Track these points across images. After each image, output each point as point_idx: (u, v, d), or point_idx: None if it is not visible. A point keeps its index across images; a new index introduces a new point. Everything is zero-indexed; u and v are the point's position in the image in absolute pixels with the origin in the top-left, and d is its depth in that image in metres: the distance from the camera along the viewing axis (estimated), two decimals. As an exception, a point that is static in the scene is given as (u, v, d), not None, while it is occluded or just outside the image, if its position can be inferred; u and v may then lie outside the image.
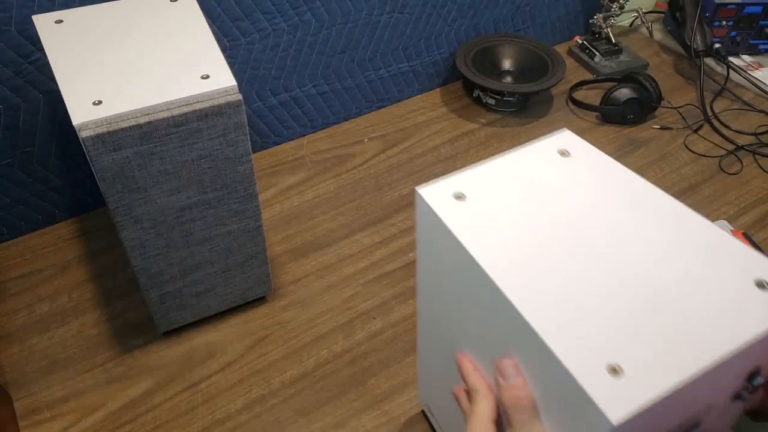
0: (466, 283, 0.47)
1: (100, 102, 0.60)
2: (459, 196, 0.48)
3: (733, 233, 0.89)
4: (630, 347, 0.37)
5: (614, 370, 0.35)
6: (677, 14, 1.33)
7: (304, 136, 1.15)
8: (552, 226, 0.46)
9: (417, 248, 0.54)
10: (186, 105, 0.62)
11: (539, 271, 0.42)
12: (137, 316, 0.84)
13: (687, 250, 0.43)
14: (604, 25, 1.34)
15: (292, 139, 1.14)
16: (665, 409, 0.36)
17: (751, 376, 0.43)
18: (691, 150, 1.13)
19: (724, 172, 1.09)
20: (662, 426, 0.39)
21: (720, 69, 1.30)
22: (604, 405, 0.34)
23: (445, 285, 0.51)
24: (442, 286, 0.52)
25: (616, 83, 1.20)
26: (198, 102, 0.62)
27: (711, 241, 0.44)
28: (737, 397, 0.44)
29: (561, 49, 1.39)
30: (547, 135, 0.54)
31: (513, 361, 0.43)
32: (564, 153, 0.52)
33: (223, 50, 0.68)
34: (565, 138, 0.54)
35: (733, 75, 1.27)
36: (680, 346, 0.37)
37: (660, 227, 0.45)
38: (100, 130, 0.59)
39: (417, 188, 0.49)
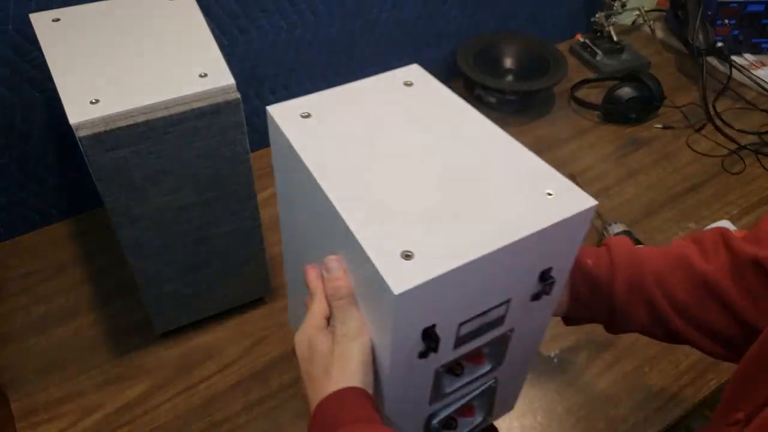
0: (304, 190, 0.52)
1: (97, 101, 0.60)
2: (305, 115, 0.54)
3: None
4: (425, 238, 0.44)
5: (407, 255, 0.42)
6: (679, 12, 1.33)
7: (303, 135, 1.14)
8: (381, 139, 0.52)
9: (273, 167, 0.59)
10: (184, 104, 0.61)
11: (361, 175, 0.49)
12: (135, 317, 0.83)
13: (493, 163, 0.51)
14: (606, 24, 1.34)
15: (291, 138, 1.13)
16: (447, 288, 0.43)
17: (543, 276, 0.50)
18: (693, 149, 1.12)
19: (727, 171, 1.08)
20: (453, 309, 0.46)
21: (722, 68, 1.30)
22: (390, 281, 0.40)
23: (294, 197, 0.57)
24: (292, 200, 0.58)
25: (618, 82, 1.19)
26: (196, 101, 0.61)
27: (515, 157, 0.52)
28: (535, 297, 0.52)
29: (563, 47, 1.38)
30: (398, 69, 0.61)
31: (336, 257, 0.49)
32: (408, 83, 0.59)
33: (222, 48, 0.68)
34: (412, 70, 0.61)
35: (735, 74, 1.27)
36: (467, 237, 0.44)
37: (475, 143, 0.53)
38: (97, 130, 0.58)
39: (267, 107, 0.54)
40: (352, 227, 0.44)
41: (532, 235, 0.45)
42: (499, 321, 0.52)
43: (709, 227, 0.91)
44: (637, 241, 0.87)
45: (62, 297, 0.86)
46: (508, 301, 0.50)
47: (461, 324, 0.48)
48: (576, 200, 0.47)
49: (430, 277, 0.41)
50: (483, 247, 0.43)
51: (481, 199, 0.47)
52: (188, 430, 0.72)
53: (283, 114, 0.54)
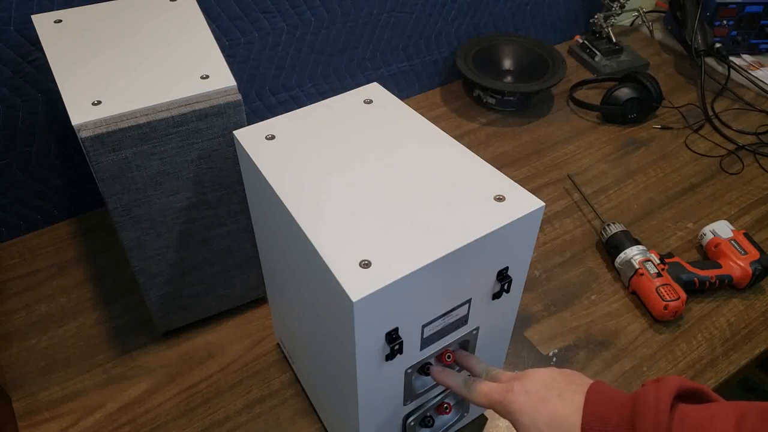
0: (270, 206, 0.55)
1: (99, 102, 0.60)
2: (270, 137, 0.57)
3: (734, 234, 0.89)
4: (381, 246, 0.46)
5: (365, 264, 0.45)
6: (678, 13, 1.33)
7: (303, 135, 1.15)
8: (340, 156, 0.55)
9: (245, 186, 0.63)
10: (185, 105, 0.61)
11: (321, 191, 0.51)
12: (136, 316, 0.84)
13: (447, 172, 0.53)
14: (604, 25, 1.34)
15: (291, 139, 1.14)
16: (405, 292, 0.46)
17: (500, 275, 0.53)
18: (692, 150, 1.13)
19: (725, 171, 1.08)
20: (414, 312, 0.49)
21: (721, 68, 1.30)
22: (348, 289, 0.43)
23: (263, 212, 0.59)
24: (262, 215, 0.60)
25: (616, 83, 1.20)
26: (197, 102, 0.62)
27: (468, 165, 0.54)
28: (496, 296, 0.55)
29: (561, 48, 1.39)
30: (359, 88, 0.64)
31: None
32: (368, 101, 0.62)
33: (223, 50, 0.68)
34: (371, 89, 0.64)
35: (733, 74, 1.27)
36: (421, 243, 0.46)
37: (430, 155, 0.55)
38: (99, 131, 0.58)
39: (234, 132, 0.58)
40: (313, 240, 0.47)
41: (484, 237, 0.47)
42: (463, 321, 0.54)
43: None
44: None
45: (64, 296, 0.87)
46: (468, 301, 0.53)
47: (424, 326, 0.51)
48: (525, 203, 0.50)
49: (387, 283, 0.44)
50: (436, 251, 0.46)
51: (436, 206, 0.50)
52: (189, 429, 0.72)
53: (248, 137, 0.57)
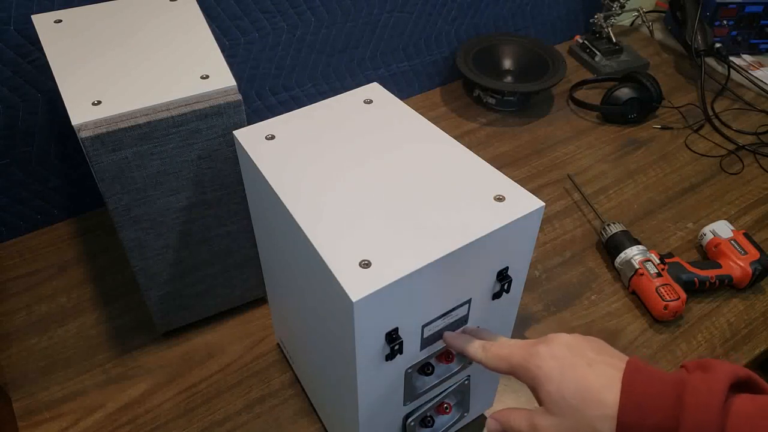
0: (270, 206, 0.55)
1: (99, 102, 0.60)
2: (270, 137, 0.57)
3: (734, 234, 0.89)
4: (381, 246, 0.46)
5: (365, 264, 0.45)
6: (678, 13, 1.33)
7: (303, 135, 1.14)
8: (340, 156, 0.55)
9: (245, 186, 0.63)
10: (185, 105, 0.61)
11: (321, 191, 0.51)
12: (136, 316, 0.84)
13: (447, 172, 0.53)
14: (604, 25, 1.34)
15: (291, 139, 1.14)
16: (405, 292, 0.45)
17: (500, 275, 0.53)
18: (691, 150, 1.13)
19: (725, 171, 1.08)
20: (413, 312, 0.49)
21: (721, 68, 1.30)
22: (348, 289, 0.43)
23: (263, 212, 0.60)
24: (262, 215, 0.61)
25: (616, 83, 1.20)
26: (197, 102, 0.62)
27: (468, 165, 0.54)
28: (496, 296, 0.55)
29: (561, 48, 1.39)
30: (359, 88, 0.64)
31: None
32: (368, 101, 0.62)
33: (223, 50, 0.68)
34: (371, 89, 0.64)
35: (733, 74, 1.27)
36: (421, 243, 0.46)
37: (430, 155, 0.55)
38: (99, 131, 0.58)
39: (234, 132, 0.58)
40: (313, 240, 0.47)
41: (484, 237, 0.47)
42: (463, 321, 0.54)
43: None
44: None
45: (64, 296, 0.87)
46: (468, 302, 0.53)
47: (424, 326, 0.51)
48: (525, 203, 0.50)
49: (387, 283, 0.44)
50: (436, 251, 0.46)
51: (436, 206, 0.50)
52: (189, 429, 0.72)
53: (248, 137, 0.57)
